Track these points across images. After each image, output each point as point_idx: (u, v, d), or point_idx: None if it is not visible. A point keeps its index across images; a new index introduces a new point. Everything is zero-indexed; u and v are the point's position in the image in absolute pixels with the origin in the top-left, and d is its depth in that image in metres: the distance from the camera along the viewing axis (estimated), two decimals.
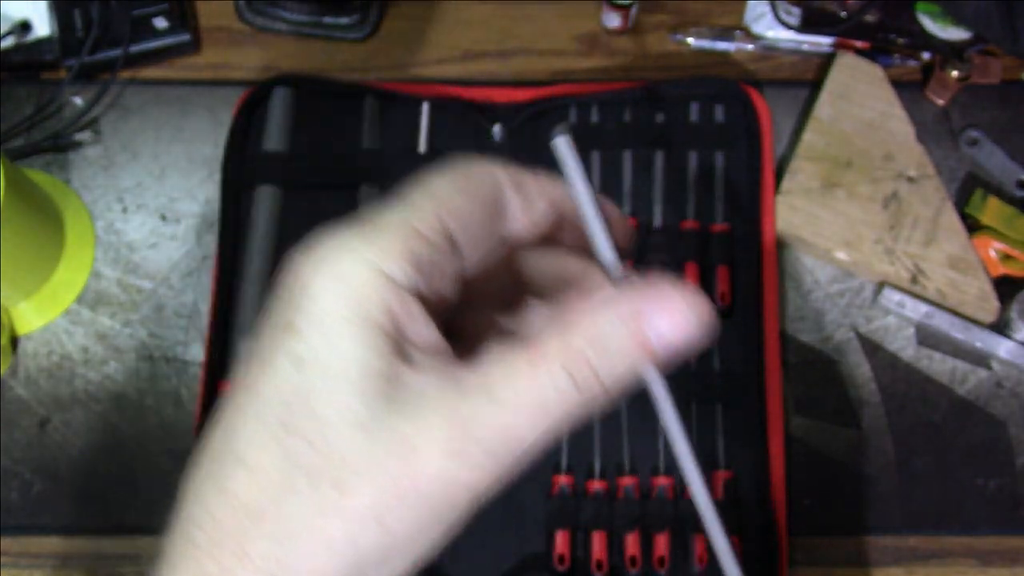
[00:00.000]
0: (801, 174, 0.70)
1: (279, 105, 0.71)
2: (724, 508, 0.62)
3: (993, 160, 0.72)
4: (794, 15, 0.75)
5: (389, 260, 0.27)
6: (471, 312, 0.32)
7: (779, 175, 0.71)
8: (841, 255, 0.68)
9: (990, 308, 0.67)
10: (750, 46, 0.75)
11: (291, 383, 0.26)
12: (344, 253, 0.27)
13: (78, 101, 0.74)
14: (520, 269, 0.33)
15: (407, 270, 0.27)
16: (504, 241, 0.31)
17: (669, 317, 0.27)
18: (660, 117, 0.71)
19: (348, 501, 0.26)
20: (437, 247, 0.28)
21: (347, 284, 0.26)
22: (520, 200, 0.31)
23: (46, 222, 0.68)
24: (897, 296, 0.67)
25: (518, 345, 0.27)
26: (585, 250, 0.31)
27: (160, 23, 0.74)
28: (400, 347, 0.27)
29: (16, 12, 0.74)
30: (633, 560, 0.61)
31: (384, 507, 0.26)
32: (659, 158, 0.70)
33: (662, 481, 0.62)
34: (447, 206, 0.28)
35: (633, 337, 0.27)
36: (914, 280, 0.67)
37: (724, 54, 0.76)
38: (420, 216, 0.28)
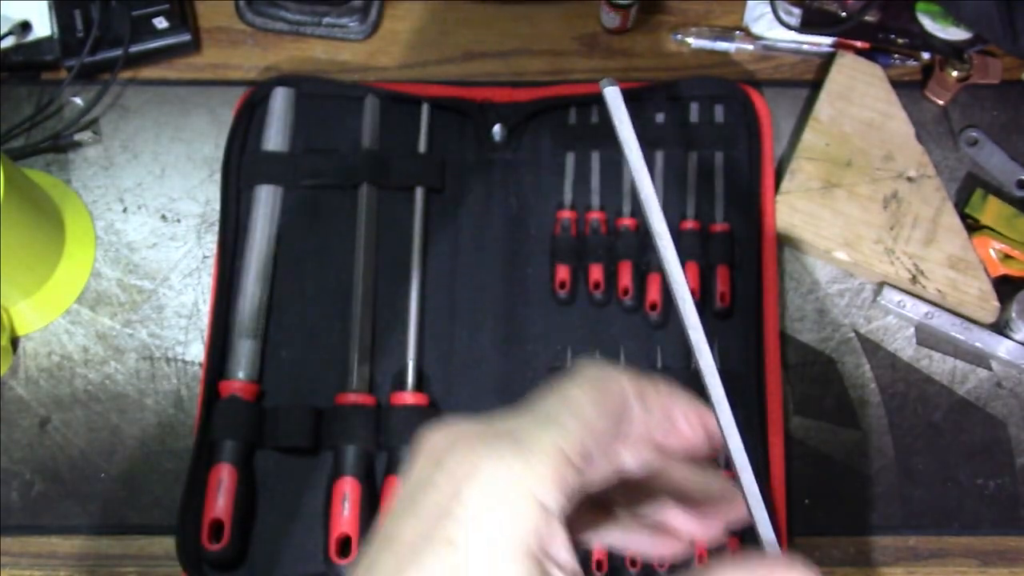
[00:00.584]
0: (801, 174, 0.70)
1: (279, 105, 0.71)
2: None
3: (993, 160, 0.72)
4: (794, 15, 0.74)
5: (544, 489, 0.30)
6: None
7: (779, 175, 0.70)
8: (841, 255, 0.68)
9: (990, 308, 0.67)
10: (750, 46, 0.75)
11: None
12: (507, 478, 0.30)
13: (78, 101, 0.74)
14: (664, 473, 0.37)
15: (558, 498, 0.30)
16: (624, 441, 0.35)
17: None
18: (660, 117, 0.71)
19: None
20: (581, 471, 0.31)
21: (509, 510, 0.29)
22: (640, 408, 0.35)
23: (46, 222, 0.68)
24: (897, 296, 0.67)
25: None
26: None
27: (160, 23, 0.74)
28: (544, 569, 0.30)
29: (16, 12, 0.74)
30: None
31: None
32: (659, 158, 0.70)
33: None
34: (588, 426, 0.32)
35: None
36: (914, 280, 0.67)
37: (724, 54, 0.76)
38: (569, 441, 0.31)
